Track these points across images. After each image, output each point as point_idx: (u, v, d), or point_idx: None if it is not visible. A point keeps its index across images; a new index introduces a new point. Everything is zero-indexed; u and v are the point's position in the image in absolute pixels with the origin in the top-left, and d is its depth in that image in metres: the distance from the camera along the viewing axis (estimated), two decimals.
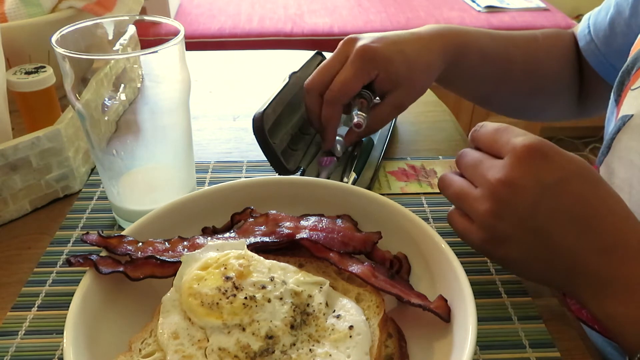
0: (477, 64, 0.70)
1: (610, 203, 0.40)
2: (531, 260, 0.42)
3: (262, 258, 0.41)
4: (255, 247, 0.44)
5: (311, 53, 0.79)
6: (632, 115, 0.53)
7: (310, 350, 0.37)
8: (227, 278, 0.38)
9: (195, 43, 2.05)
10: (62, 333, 0.36)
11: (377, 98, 0.65)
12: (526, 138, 0.41)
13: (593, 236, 0.39)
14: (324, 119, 0.64)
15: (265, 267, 0.40)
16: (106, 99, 0.52)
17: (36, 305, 0.48)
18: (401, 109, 0.66)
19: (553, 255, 0.41)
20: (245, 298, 0.37)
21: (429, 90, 0.80)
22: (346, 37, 0.65)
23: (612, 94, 0.60)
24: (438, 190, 0.63)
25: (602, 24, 0.71)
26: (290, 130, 0.67)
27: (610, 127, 0.59)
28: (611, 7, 0.69)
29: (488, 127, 0.45)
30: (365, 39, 0.63)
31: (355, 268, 0.43)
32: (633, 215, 0.41)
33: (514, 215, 0.40)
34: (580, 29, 0.75)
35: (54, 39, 0.48)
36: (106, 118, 0.52)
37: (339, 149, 0.67)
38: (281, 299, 0.39)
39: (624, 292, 0.39)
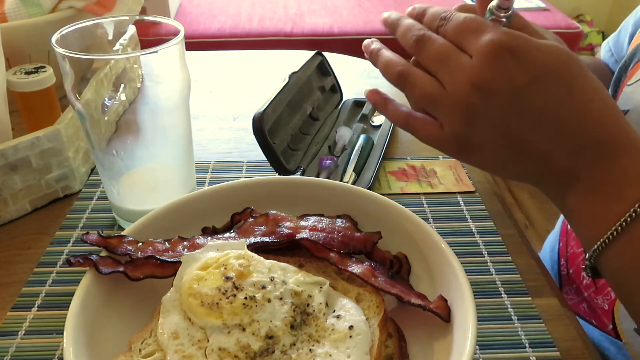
0: None
1: (586, 101, 0.38)
2: (504, 162, 0.41)
3: (262, 258, 0.41)
4: (255, 247, 0.44)
5: (311, 53, 0.79)
6: (629, 111, 0.54)
7: (310, 350, 0.37)
8: (227, 278, 0.38)
9: (195, 43, 2.05)
10: (62, 333, 0.36)
11: None
12: (494, 35, 0.38)
13: (566, 137, 0.38)
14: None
15: (265, 267, 0.40)
16: (106, 99, 0.52)
17: (36, 305, 0.48)
18: None
19: (526, 157, 0.40)
20: (245, 298, 0.37)
21: None
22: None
23: (609, 89, 0.61)
24: (438, 191, 0.63)
25: (622, 44, 0.69)
26: (290, 130, 0.67)
27: None
28: (629, 27, 0.68)
29: (453, 20, 0.41)
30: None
31: (355, 268, 0.43)
32: (612, 111, 0.39)
33: (486, 121, 0.39)
34: (603, 53, 0.73)
35: (54, 39, 0.48)
36: (106, 118, 0.52)
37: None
38: (281, 299, 0.39)
39: (588, 190, 0.38)
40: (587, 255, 0.38)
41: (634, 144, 0.37)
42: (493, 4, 0.41)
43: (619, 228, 0.36)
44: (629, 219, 0.35)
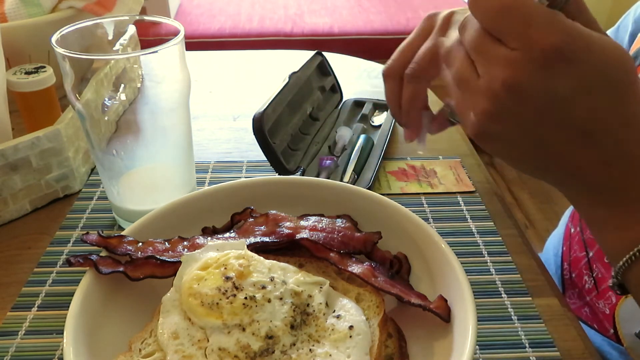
0: None
1: (632, 113, 0.34)
2: (525, 160, 0.38)
3: (262, 258, 0.41)
4: (255, 247, 0.44)
5: (311, 53, 0.79)
6: None
7: (310, 350, 0.37)
8: (227, 278, 0.38)
9: (195, 43, 2.05)
10: (62, 333, 0.36)
11: None
12: (549, 32, 0.32)
13: (602, 149, 0.35)
14: (405, 101, 0.52)
15: (265, 267, 0.40)
16: (106, 99, 0.52)
17: (36, 305, 0.48)
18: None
19: (551, 162, 0.37)
20: (245, 298, 0.37)
21: (428, 90, 0.79)
22: (426, 15, 0.53)
23: None
24: (438, 191, 0.63)
25: (622, 40, 0.69)
26: (290, 130, 0.67)
27: None
28: (629, 24, 0.67)
29: (491, 1, 0.34)
30: (449, 10, 0.52)
31: (355, 268, 0.43)
32: None
33: (514, 122, 0.35)
34: None
35: (54, 39, 0.48)
36: (106, 118, 0.52)
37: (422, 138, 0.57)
38: (281, 299, 0.39)
39: (616, 202, 0.36)
40: (614, 270, 0.37)
41: None
42: None
43: None
44: None
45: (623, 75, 0.34)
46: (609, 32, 0.73)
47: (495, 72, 0.33)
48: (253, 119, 0.61)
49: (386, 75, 0.55)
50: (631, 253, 0.35)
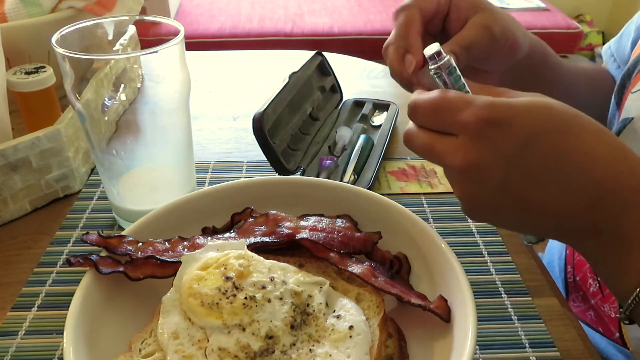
0: (552, 75, 0.62)
1: (587, 151, 0.35)
2: (518, 224, 0.40)
3: (262, 258, 0.41)
4: (255, 247, 0.44)
5: (311, 53, 0.79)
6: (633, 119, 0.53)
7: (310, 350, 0.37)
8: (227, 278, 0.38)
9: (195, 43, 2.05)
10: (62, 333, 0.36)
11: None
12: (473, 110, 0.36)
13: (577, 194, 0.36)
14: (399, 24, 0.50)
15: (265, 267, 0.40)
16: (106, 99, 0.52)
17: (36, 305, 0.48)
18: (489, 30, 0.49)
19: (539, 218, 0.38)
20: (245, 298, 0.37)
21: None
22: None
23: (613, 97, 0.60)
24: (438, 191, 0.63)
25: (625, 48, 0.68)
26: (290, 130, 0.67)
27: (611, 129, 0.59)
28: (631, 32, 0.67)
29: (423, 107, 0.38)
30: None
31: (355, 268, 0.43)
32: (619, 153, 0.36)
33: (487, 193, 0.37)
34: (605, 58, 0.72)
35: (54, 39, 0.48)
36: (106, 118, 0.52)
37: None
38: (281, 299, 0.39)
39: (611, 243, 0.37)
40: (622, 309, 0.37)
41: None
42: (427, 52, 0.40)
43: None
44: None
45: (555, 121, 0.36)
46: (612, 41, 0.72)
47: (453, 159, 0.37)
48: (253, 119, 0.61)
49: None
50: (637, 291, 0.35)
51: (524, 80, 0.57)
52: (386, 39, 0.56)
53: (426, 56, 0.40)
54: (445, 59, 0.39)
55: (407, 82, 0.47)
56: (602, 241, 0.37)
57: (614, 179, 0.35)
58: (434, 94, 0.38)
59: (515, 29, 0.52)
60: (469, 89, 0.40)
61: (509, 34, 0.51)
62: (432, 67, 0.40)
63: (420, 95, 0.39)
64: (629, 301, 0.36)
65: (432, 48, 0.40)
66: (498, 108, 0.36)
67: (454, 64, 0.40)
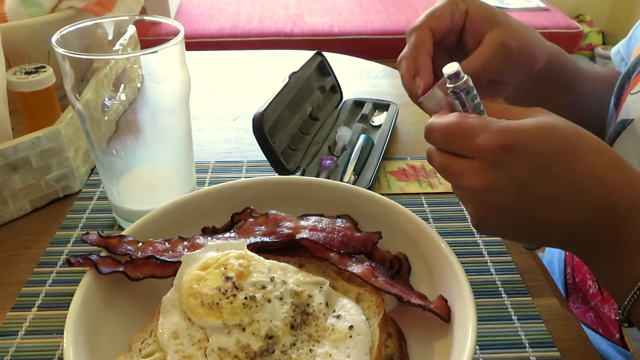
0: (571, 85, 0.62)
1: (593, 170, 0.38)
2: (527, 237, 0.44)
3: (262, 258, 0.41)
4: (255, 247, 0.44)
5: (311, 53, 0.79)
6: (632, 120, 0.53)
7: (310, 350, 0.37)
8: (227, 278, 0.38)
9: (195, 43, 2.05)
10: (62, 333, 0.36)
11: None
12: (488, 136, 0.38)
13: (583, 210, 0.38)
14: (412, 44, 0.50)
15: (265, 267, 0.40)
16: (106, 99, 0.52)
17: (36, 305, 0.48)
18: (505, 47, 0.49)
19: (546, 232, 0.41)
20: (245, 298, 0.37)
21: None
22: None
23: (612, 97, 0.60)
24: (438, 191, 0.63)
25: (634, 50, 0.67)
26: (290, 130, 0.67)
27: (609, 130, 0.59)
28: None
29: (435, 132, 0.41)
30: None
31: (355, 268, 0.43)
32: (622, 170, 0.39)
33: (500, 214, 0.40)
34: (616, 62, 0.72)
35: (54, 39, 0.48)
36: (106, 118, 0.52)
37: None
38: (281, 299, 0.39)
39: (609, 250, 0.39)
40: (620, 310, 0.39)
41: None
42: (446, 71, 0.40)
43: None
44: None
45: (563, 144, 0.38)
46: (620, 44, 0.72)
47: (467, 181, 0.39)
48: (253, 119, 0.61)
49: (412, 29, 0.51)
50: (633, 292, 0.37)
51: (539, 90, 0.58)
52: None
53: (445, 75, 0.41)
54: (464, 79, 0.40)
55: (416, 98, 0.48)
56: (601, 249, 0.39)
57: (615, 194, 0.38)
58: (449, 118, 0.40)
59: (533, 43, 0.52)
60: (483, 109, 0.41)
61: (525, 49, 0.51)
62: (450, 86, 0.40)
63: (435, 119, 0.41)
64: (625, 302, 0.38)
65: (452, 68, 0.40)
66: (512, 134, 0.37)
67: (472, 84, 0.40)
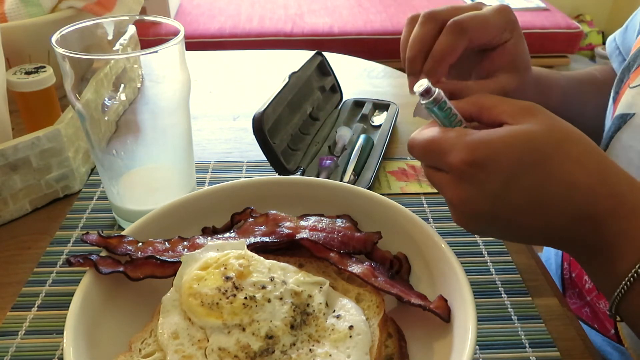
0: (559, 102, 0.64)
1: (567, 178, 0.38)
2: (512, 238, 0.44)
3: (262, 258, 0.41)
4: (255, 247, 0.44)
5: (311, 53, 0.79)
6: (634, 114, 0.53)
7: (310, 350, 0.37)
8: (227, 278, 0.38)
9: (195, 43, 2.05)
10: (62, 333, 0.36)
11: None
12: (457, 154, 0.39)
13: (559, 215, 0.39)
14: (442, 47, 0.48)
15: (265, 267, 0.40)
16: (106, 99, 0.52)
17: (36, 305, 0.48)
18: (505, 93, 0.51)
19: (527, 236, 0.42)
20: (245, 298, 0.37)
21: None
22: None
23: (611, 91, 0.60)
24: (438, 191, 0.63)
25: (630, 41, 0.68)
26: (290, 130, 0.67)
27: (608, 124, 0.58)
28: (637, 24, 0.67)
29: (415, 148, 0.42)
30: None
31: (355, 268, 0.43)
32: (600, 176, 0.38)
33: (479, 221, 0.41)
34: (610, 51, 0.72)
35: (54, 39, 0.48)
36: (106, 118, 0.52)
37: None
38: (281, 299, 0.39)
39: (593, 253, 0.40)
40: (609, 305, 0.40)
41: (628, 204, 0.38)
42: (416, 89, 0.41)
43: (625, 287, 0.37)
44: (632, 279, 0.37)
45: (535, 155, 0.38)
46: (616, 33, 0.72)
47: (445, 193, 0.41)
48: (253, 119, 0.61)
49: (428, 15, 0.50)
50: (617, 290, 0.38)
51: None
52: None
53: (416, 93, 0.41)
54: (435, 93, 0.41)
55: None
56: (584, 251, 0.40)
57: (593, 202, 0.38)
58: (425, 133, 0.41)
59: (528, 88, 0.54)
60: (461, 118, 0.42)
61: (519, 88, 0.52)
62: (423, 102, 0.41)
63: (415, 135, 0.42)
64: (611, 300, 0.39)
65: (422, 85, 0.41)
66: (478, 150, 0.38)
67: (443, 99, 0.41)
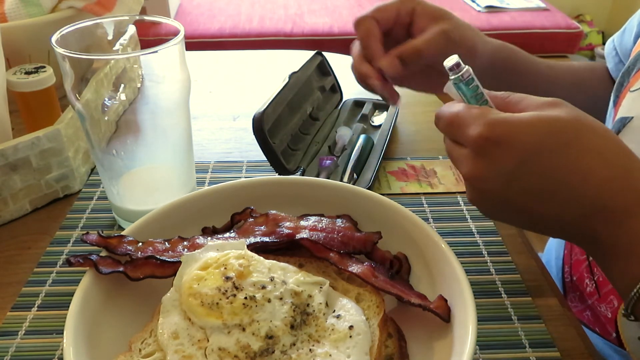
0: (523, 76, 0.68)
1: (583, 168, 0.38)
2: (522, 224, 0.44)
3: (262, 258, 0.41)
4: (255, 247, 0.44)
5: (311, 53, 0.79)
6: (632, 118, 0.53)
7: (310, 350, 0.37)
8: (227, 278, 0.38)
9: (195, 43, 2.05)
10: (62, 333, 0.36)
11: None
12: (476, 128, 0.39)
13: (572, 205, 0.38)
14: (361, 34, 0.62)
15: (265, 267, 0.40)
16: (106, 99, 0.52)
17: (36, 305, 0.48)
18: (446, 34, 0.57)
19: (540, 223, 0.42)
20: (245, 298, 0.37)
21: None
22: None
23: (612, 94, 0.60)
24: (438, 190, 0.63)
25: (628, 43, 0.69)
26: (290, 130, 0.67)
27: (609, 127, 0.59)
28: (635, 26, 0.67)
29: (440, 120, 0.44)
30: (448, 21, 0.61)
31: (355, 268, 0.43)
32: (616, 171, 0.38)
33: (490, 201, 0.42)
34: (607, 51, 0.73)
35: (54, 39, 0.48)
36: (106, 118, 0.52)
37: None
38: (281, 299, 0.39)
39: (607, 249, 0.39)
40: (624, 304, 0.40)
41: None
42: (447, 64, 0.42)
43: None
44: None
45: (554, 139, 0.38)
46: (615, 35, 0.72)
47: (461, 168, 0.42)
48: (253, 119, 0.61)
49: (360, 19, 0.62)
50: (635, 290, 0.37)
51: (491, 85, 0.59)
52: None
53: (446, 68, 0.42)
54: (464, 69, 0.42)
55: (362, 81, 0.61)
56: (598, 247, 0.40)
57: (606, 195, 0.37)
58: (453, 108, 0.42)
59: (474, 37, 0.60)
60: (487, 98, 0.42)
61: (466, 39, 0.58)
62: (452, 77, 0.42)
63: (444, 108, 0.43)
64: (627, 302, 0.38)
65: (452, 60, 0.42)
66: (498, 127, 0.38)
67: (472, 75, 0.42)
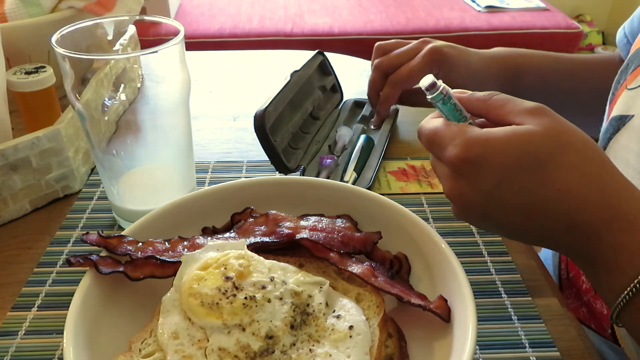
0: (535, 84, 0.72)
1: (561, 185, 0.38)
2: (510, 236, 0.44)
3: (262, 258, 0.41)
4: (255, 247, 0.44)
5: (312, 53, 0.79)
6: (633, 116, 0.53)
7: (310, 350, 0.37)
8: (227, 278, 0.38)
9: (195, 43, 2.05)
10: (62, 333, 0.36)
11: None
12: (453, 149, 0.39)
13: (552, 221, 0.39)
14: (384, 96, 0.71)
15: (265, 267, 0.40)
16: (106, 99, 0.52)
17: (36, 305, 0.48)
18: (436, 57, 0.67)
19: (522, 236, 0.42)
20: (245, 298, 0.37)
21: None
22: (422, 38, 0.71)
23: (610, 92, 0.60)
24: (438, 191, 0.63)
25: (638, 29, 0.68)
26: (292, 128, 0.67)
27: (605, 124, 0.58)
28: None
29: (421, 137, 0.44)
30: (439, 42, 0.69)
31: (355, 268, 0.43)
32: (596, 185, 0.38)
33: (472, 216, 0.42)
34: (619, 39, 0.73)
35: (54, 39, 0.48)
36: (106, 118, 0.52)
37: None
38: (281, 299, 0.39)
39: (589, 263, 0.40)
40: (610, 313, 0.40)
41: (628, 216, 0.37)
42: (422, 83, 0.42)
43: (624, 300, 0.37)
44: (630, 293, 0.37)
45: (530, 158, 0.38)
46: (625, 23, 0.72)
47: (443, 184, 0.42)
48: (255, 117, 0.61)
49: (376, 67, 0.71)
50: (619, 300, 0.38)
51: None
52: (386, 38, 0.70)
53: (422, 88, 0.42)
54: (440, 89, 0.41)
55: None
56: (583, 259, 0.40)
57: (586, 211, 0.38)
58: (432, 124, 0.42)
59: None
60: (466, 114, 0.42)
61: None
62: (428, 97, 0.42)
63: (423, 123, 0.44)
64: (612, 307, 0.39)
65: (427, 79, 0.42)
66: (474, 147, 0.39)
67: (449, 94, 0.42)
